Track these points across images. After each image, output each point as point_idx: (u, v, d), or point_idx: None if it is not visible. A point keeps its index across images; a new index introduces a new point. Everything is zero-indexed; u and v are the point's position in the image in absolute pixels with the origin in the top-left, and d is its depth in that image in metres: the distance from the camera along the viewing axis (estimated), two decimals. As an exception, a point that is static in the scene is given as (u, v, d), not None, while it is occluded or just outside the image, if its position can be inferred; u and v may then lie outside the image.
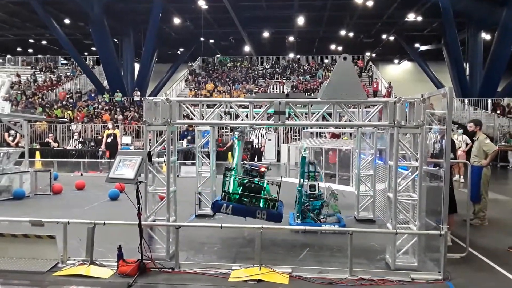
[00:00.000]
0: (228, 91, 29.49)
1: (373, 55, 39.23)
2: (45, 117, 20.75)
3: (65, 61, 38.18)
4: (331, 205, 7.25)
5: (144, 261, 5.04)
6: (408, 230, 5.39)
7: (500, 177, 14.99)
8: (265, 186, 6.06)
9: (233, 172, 6.22)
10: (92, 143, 19.67)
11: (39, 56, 39.19)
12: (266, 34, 33.33)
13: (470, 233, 5.87)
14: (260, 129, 15.39)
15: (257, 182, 6.02)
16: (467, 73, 27.91)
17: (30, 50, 41.34)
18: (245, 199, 5.91)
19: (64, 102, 27.18)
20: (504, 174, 16.30)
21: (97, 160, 16.77)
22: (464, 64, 27.87)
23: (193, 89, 30.50)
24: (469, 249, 5.74)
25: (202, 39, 32.51)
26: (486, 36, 28.47)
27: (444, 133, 5.10)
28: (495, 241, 6.66)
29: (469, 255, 5.68)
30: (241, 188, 5.99)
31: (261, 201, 5.90)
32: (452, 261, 5.31)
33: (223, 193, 5.96)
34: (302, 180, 7.31)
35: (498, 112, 22.40)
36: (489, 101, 23.98)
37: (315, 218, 7.09)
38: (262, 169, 6.41)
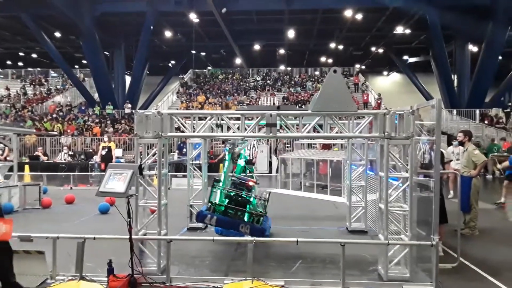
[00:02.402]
0: (220, 103, 29.57)
1: (363, 67, 39.68)
2: (34, 130, 20.57)
3: (55, 74, 38.05)
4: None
5: (134, 275, 4.97)
6: (399, 240, 5.40)
7: (489, 187, 15.14)
8: (251, 200, 6.05)
9: (221, 184, 6.20)
10: (82, 156, 19.50)
11: (29, 69, 39.01)
12: (257, 46, 33.61)
13: (461, 243, 5.91)
14: (252, 141, 15.43)
15: (243, 196, 6.01)
16: (455, 84, 28.36)
17: (20, 63, 41.14)
18: (230, 212, 5.89)
19: (54, 115, 27.00)
20: (489, 183, 16.45)
21: (87, 173, 16.61)
22: (452, 76, 28.33)
23: (184, 101, 30.52)
24: (460, 259, 5.77)
25: (193, 51, 32.68)
26: (473, 48, 29.04)
27: (433, 143, 5.16)
28: (486, 250, 6.70)
29: (460, 265, 5.70)
30: (227, 200, 5.98)
31: (246, 215, 5.88)
32: (444, 271, 5.32)
33: (209, 204, 5.94)
34: None
35: (486, 122, 22.73)
36: (477, 111, 24.34)
37: None
38: (250, 183, 6.42)
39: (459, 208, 6.53)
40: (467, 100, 26.32)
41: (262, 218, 5.89)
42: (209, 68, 39.77)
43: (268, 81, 35.48)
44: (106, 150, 15.71)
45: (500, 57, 25.24)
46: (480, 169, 7.74)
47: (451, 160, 10.00)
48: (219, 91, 33.18)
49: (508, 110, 24.80)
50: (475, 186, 7.72)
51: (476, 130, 21.33)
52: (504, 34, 22.99)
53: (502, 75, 26.69)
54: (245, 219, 5.84)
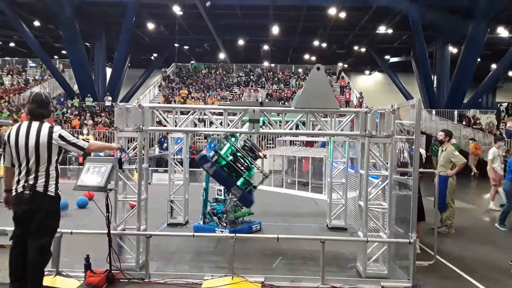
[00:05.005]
0: (203, 98, 29.33)
1: (346, 65, 39.98)
2: (11, 122, 20.00)
3: (33, 64, 36.98)
4: (237, 213, 7.39)
5: (112, 271, 4.90)
6: (378, 238, 5.47)
7: (466, 186, 15.49)
8: (252, 169, 6.02)
9: (233, 139, 6.16)
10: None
11: (6, 58, 37.81)
12: (241, 42, 33.44)
13: (438, 241, 6.03)
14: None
15: (247, 161, 5.96)
16: (434, 85, 28.85)
17: (-3, 52, 39.91)
18: (228, 169, 5.84)
19: (31, 106, 26.27)
20: (468, 183, 16.84)
21: (66, 166, 16.28)
22: (432, 76, 28.79)
23: (166, 95, 30.18)
24: (437, 257, 5.88)
25: (176, 45, 32.28)
26: (453, 49, 29.58)
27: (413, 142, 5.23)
28: (462, 248, 6.85)
29: (437, 262, 5.81)
30: (231, 157, 5.92)
31: (241, 180, 5.84)
32: (421, 268, 5.42)
33: (214, 153, 5.89)
34: (206, 184, 7.53)
35: (464, 123, 23.21)
36: (456, 112, 24.80)
37: (218, 222, 7.25)
38: (260, 153, 6.38)
39: (436, 207, 6.65)
40: (446, 101, 26.81)
41: (253, 190, 5.89)
42: (192, 62, 39.37)
43: (252, 77, 35.39)
44: (85, 143, 15.40)
45: (478, 59, 25.79)
46: (459, 170, 7.85)
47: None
48: (202, 86, 32.94)
49: (503, 115, 25.13)
50: (452, 185, 7.87)
51: (454, 131, 21.73)
52: (484, 35, 23.46)
53: (480, 77, 27.29)
54: (239, 183, 5.81)
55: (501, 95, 38.57)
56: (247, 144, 6.35)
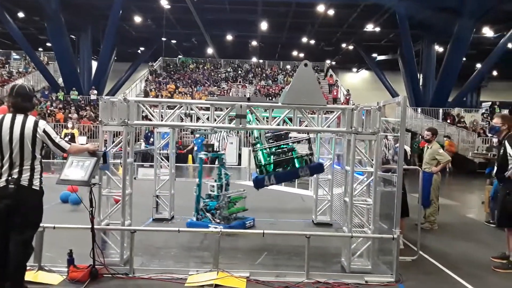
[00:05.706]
0: (190, 93, 29.16)
1: (333, 63, 40.17)
2: (-7, 114, 19.58)
3: (17, 57, 36.28)
4: (231, 209, 7.43)
5: (96, 266, 4.84)
6: (362, 233, 5.53)
7: (451, 183, 15.74)
8: (294, 148, 6.10)
9: (258, 145, 6.18)
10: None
11: (-11, 50, 37.06)
12: (229, 37, 33.30)
13: (421, 237, 6.12)
14: (221, 132, 15.35)
15: (284, 146, 6.03)
16: (420, 83, 29.19)
17: (-21, 44, 38.99)
18: (280, 166, 5.92)
19: (15, 99, 25.75)
20: (451, 180, 17.12)
21: (50, 160, 16.02)
22: (418, 75, 29.14)
23: (153, 89, 29.92)
24: (420, 252, 5.97)
25: (163, 39, 31.99)
26: (439, 48, 29.98)
27: (398, 139, 5.29)
28: (445, 244, 6.96)
29: (420, 258, 5.90)
30: (272, 156, 5.97)
31: (297, 160, 5.91)
32: (404, 264, 5.49)
33: (258, 168, 5.94)
34: (199, 180, 7.55)
35: (449, 121, 23.55)
36: (440, 110, 25.16)
37: (211, 218, 7.22)
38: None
39: (419, 203, 6.74)
40: (431, 99, 27.16)
41: (311, 157, 5.99)
42: (180, 56, 39.08)
43: (240, 73, 35.31)
44: (69, 137, 15.19)
45: (464, 59, 26.17)
46: (443, 167, 8.01)
47: None
48: (190, 80, 32.74)
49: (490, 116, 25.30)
50: (436, 182, 8.00)
51: (438, 129, 21.96)
52: (470, 34, 23.80)
53: (465, 76, 27.71)
54: (297, 164, 5.87)
55: (485, 94, 39.25)
56: (269, 137, 6.37)
